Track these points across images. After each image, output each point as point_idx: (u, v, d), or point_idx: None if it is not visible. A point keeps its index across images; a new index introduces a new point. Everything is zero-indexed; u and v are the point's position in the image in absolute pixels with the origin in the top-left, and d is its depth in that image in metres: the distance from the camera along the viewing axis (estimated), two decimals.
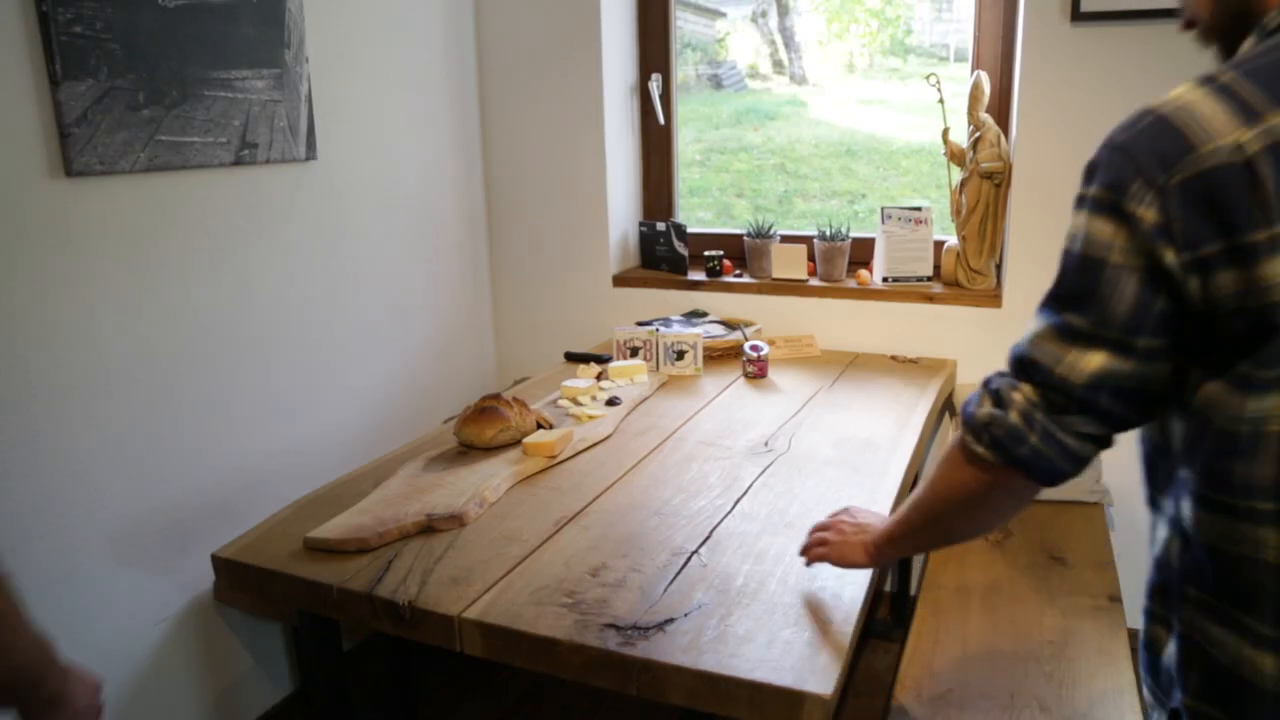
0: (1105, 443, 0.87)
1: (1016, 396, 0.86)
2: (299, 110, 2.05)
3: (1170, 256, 0.76)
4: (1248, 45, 0.82)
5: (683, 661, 1.08)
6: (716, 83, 2.97)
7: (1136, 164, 0.77)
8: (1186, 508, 0.83)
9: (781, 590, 1.24)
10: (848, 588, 1.24)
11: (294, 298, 2.12)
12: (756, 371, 2.21)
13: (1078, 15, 2.07)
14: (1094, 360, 0.81)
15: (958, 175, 2.33)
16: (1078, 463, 0.87)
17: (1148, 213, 0.76)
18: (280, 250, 2.07)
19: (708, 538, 1.39)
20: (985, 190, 2.26)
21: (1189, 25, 0.92)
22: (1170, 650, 0.88)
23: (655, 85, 2.69)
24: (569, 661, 1.14)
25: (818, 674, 1.05)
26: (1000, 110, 2.34)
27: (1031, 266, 2.25)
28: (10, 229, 1.54)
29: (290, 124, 2.03)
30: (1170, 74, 2.05)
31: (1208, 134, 0.74)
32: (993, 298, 2.32)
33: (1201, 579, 0.83)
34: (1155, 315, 0.78)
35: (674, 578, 1.28)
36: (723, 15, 2.96)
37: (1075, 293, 0.82)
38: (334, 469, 2.23)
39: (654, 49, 2.72)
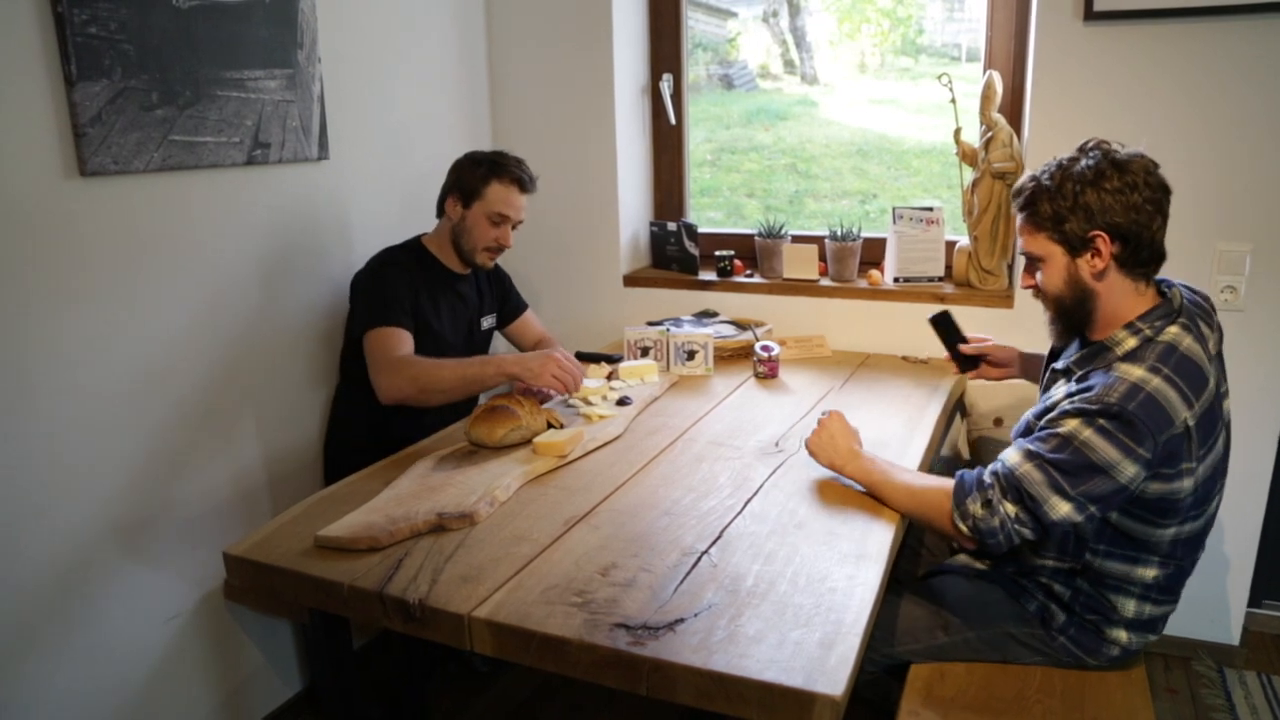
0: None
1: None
2: (311, 110, 2.06)
3: None
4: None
5: (693, 661, 1.08)
6: (727, 83, 2.97)
7: None
8: None
9: (792, 591, 1.23)
10: (858, 589, 1.24)
11: (306, 296, 2.13)
12: (767, 372, 2.21)
13: (1090, 14, 2.06)
14: None
15: (969, 175, 2.32)
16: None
17: None
18: (292, 249, 2.08)
19: (718, 538, 1.39)
20: (997, 190, 2.25)
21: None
22: None
23: (666, 85, 2.69)
24: (578, 661, 1.14)
25: (828, 675, 1.05)
26: (1013, 110, 2.33)
27: None
28: (25, 228, 1.55)
29: (303, 124, 2.04)
30: (1183, 73, 2.04)
31: None
32: (1005, 298, 2.31)
33: None
34: None
35: (684, 578, 1.28)
36: (734, 15, 2.95)
37: None
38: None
39: (665, 49, 2.72)
